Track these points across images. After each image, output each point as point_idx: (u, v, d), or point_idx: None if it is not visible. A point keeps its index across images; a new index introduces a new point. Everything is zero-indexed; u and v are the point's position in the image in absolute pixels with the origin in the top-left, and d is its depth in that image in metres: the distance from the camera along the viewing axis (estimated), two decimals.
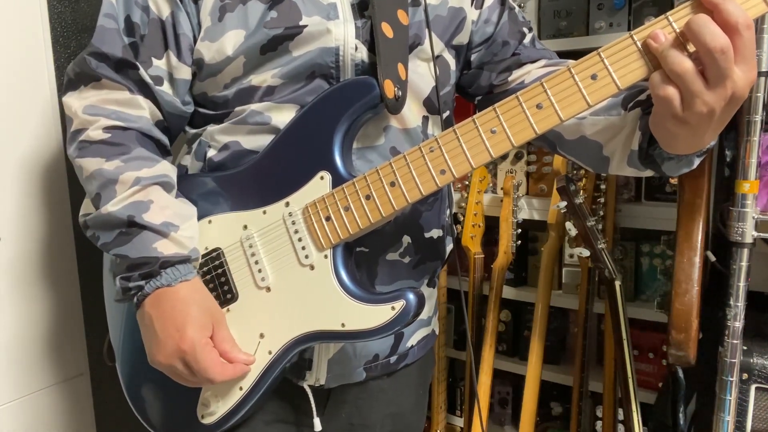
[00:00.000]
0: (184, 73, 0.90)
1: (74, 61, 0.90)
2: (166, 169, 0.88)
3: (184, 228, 0.85)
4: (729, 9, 0.62)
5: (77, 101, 0.88)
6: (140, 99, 0.88)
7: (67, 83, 0.90)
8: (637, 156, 0.81)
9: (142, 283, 0.82)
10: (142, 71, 0.87)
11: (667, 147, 0.75)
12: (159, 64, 0.88)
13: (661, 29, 0.67)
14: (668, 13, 0.67)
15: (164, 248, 0.82)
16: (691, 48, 0.65)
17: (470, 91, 1.04)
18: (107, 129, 0.86)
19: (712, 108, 0.65)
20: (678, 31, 0.66)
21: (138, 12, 0.87)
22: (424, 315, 1.03)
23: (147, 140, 0.89)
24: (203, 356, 0.80)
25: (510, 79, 0.99)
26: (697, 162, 0.79)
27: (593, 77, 0.71)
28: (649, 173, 0.85)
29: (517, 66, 0.99)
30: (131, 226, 0.82)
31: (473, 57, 1.01)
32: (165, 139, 0.92)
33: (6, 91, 1.12)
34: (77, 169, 0.88)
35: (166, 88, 0.89)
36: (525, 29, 1.01)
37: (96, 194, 0.85)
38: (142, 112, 0.88)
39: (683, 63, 0.64)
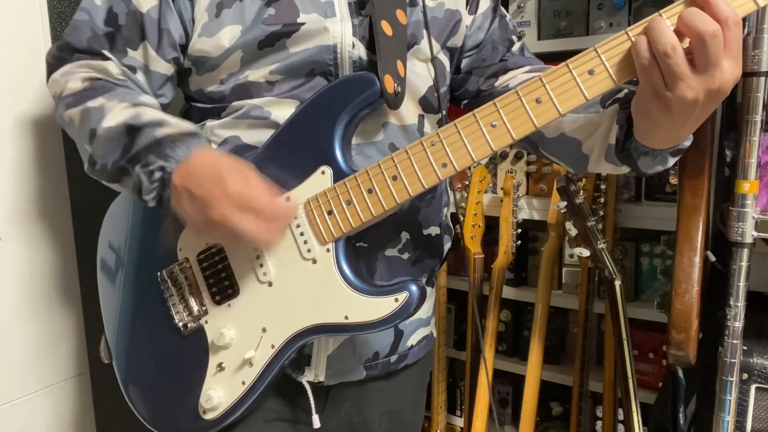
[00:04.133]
0: (162, 67, 0.91)
1: (48, 50, 0.94)
2: (151, 99, 0.91)
3: (182, 122, 0.85)
4: (719, 4, 0.64)
5: (57, 75, 0.92)
6: (111, 63, 0.90)
7: (48, 70, 0.94)
8: (614, 150, 0.83)
9: (162, 163, 0.80)
10: (108, 55, 0.90)
11: (644, 138, 0.76)
12: (134, 55, 0.90)
13: None
14: (661, 11, 0.68)
15: (166, 131, 0.81)
16: (684, 44, 0.66)
17: (457, 95, 1.06)
18: (86, 79, 0.89)
19: (696, 95, 0.66)
20: (672, 28, 0.66)
21: (120, 3, 0.89)
22: (423, 315, 1.03)
23: (127, 89, 0.91)
24: (251, 193, 0.77)
25: (496, 84, 1.01)
26: (671, 161, 0.80)
27: (590, 72, 0.72)
28: (625, 170, 0.86)
29: (503, 72, 1.01)
30: (130, 132, 0.82)
31: (464, 62, 1.03)
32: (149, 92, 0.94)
33: (6, 91, 1.12)
34: (68, 125, 0.90)
35: (139, 77, 0.91)
36: (514, 37, 1.04)
37: (90, 130, 0.85)
38: (114, 75, 0.90)
39: (671, 37, 0.65)
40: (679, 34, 0.66)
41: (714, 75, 0.65)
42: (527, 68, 1.00)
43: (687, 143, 0.78)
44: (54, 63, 0.93)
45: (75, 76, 0.90)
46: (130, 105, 0.85)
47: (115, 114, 0.84)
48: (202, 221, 0.79)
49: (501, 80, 1.01)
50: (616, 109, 0.83)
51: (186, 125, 0.84)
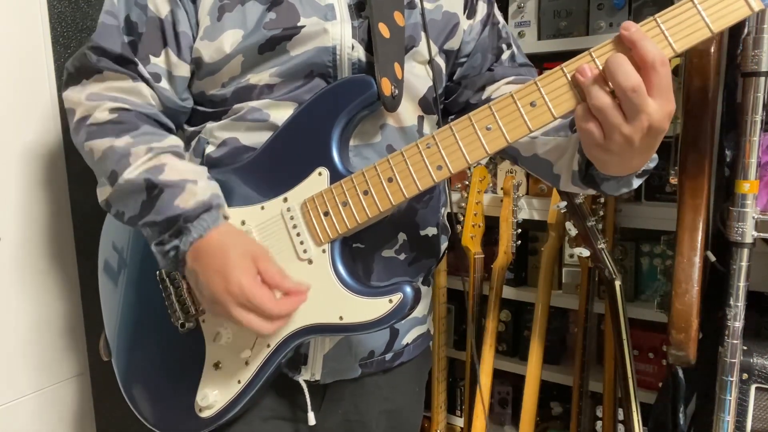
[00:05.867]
0: (183, 70, 0.91)
1: (74, 56, 0.91)
2: (175, 140, 0.90)
3: (200, 181, 0.85)
4: (646, 47, 0.67)
5: (79, 93, 0.89)
6: (142, 86, 0.89)
7: (67, 78, 0.91)
8: (577, 176, 0.85)
9: (176, 242, 0.82)
10: (141, 67, 0.88)
11: (601, 169, 0.79)
12: (157, 62, 0.89)
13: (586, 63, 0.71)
14: (591, 50, 0.71)
15: (184, 202, 0.82)
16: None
17: (447, 102, 1.06)
18: (113, 110, 0.87)
19: (631, 138, 0.70)
20: (600, 67, 0.70)
21: (137, 11, 0.88)
22: (419, 313, 1.04)
23: (152, 121, 0.90)
24: (254, 294, 0.78)
25: (483, 97, 1.02)
26: (636, 182, 0.83)
27: None
28: (591, 192, 0.89)
29: (491, 83, 1.01)
30: (150, 189, 0.83)
31: (458, 69, 1.03)
32: (171, 124, 0.93)
33: (6, 91, 1.12)
34: (87, 153, 0.89)
35: (164, 84, 0.90)
36: (504, 45, 1.04)
37: (111, 171, 0.85)
38: (145, 99, 0.90)
39: (603, 99, 0.69)
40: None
41: (642, 119, 0.68)
42: (510, 78, 1.00)
43: (652, 164, 0.80)
44: (75, 73, 0.90)
45: (103, 104, 0.87)
46: (155, 155, 0.85)
47: (139, 165, 0.84)
48: (211, 309, 0.83)
49: (487, 92, 1.01)
50: (578, 137, 0.83)
51: (205, 192, 0.84)
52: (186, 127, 0.97)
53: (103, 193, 0.88)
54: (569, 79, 0.72)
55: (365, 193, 0.81)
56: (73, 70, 0.91)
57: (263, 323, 0.79)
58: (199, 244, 0.81)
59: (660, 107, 0.68)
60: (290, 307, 0.81)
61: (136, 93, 0.89)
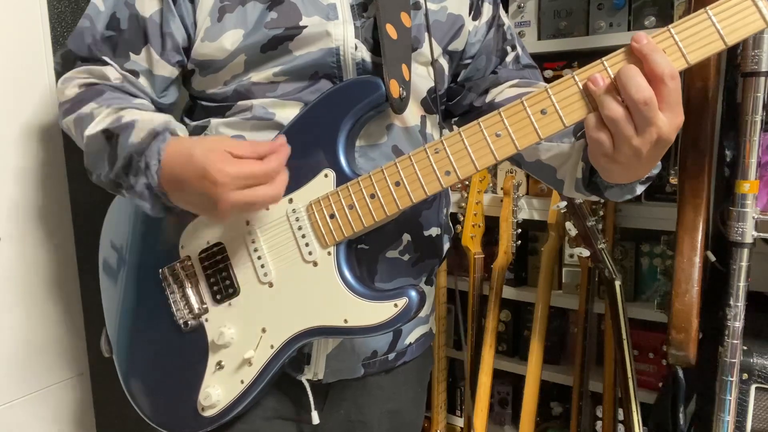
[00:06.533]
0: (166, 71, 0.91)
1: (55, 57, 0.97)
2: (142, 102, 0.91)
3: (153, 115, 0.84)
4: (656, 60, 0.67)
5: (60, 83, 0.94)
6: (110, 69, 0.90)
7: (56, 77, 0.95)
8: (581, 183, 0.86)
9: (144, 180, 0.80)
10: (108, 62, 0.91)
11: (606, 177, 0.79)
12: (136, 59, 0.90)
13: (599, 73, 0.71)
14: (604, 59, 0.71)
15: (137, 137, 0.81)
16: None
17: (451, 105, 1.06)
18: (81, 86, 0.90)
19: (639, 150, 0.70)
20: (612, 76, 0.70)
21: (123, 8, 0.89)
22: (422, 313, 1.03)
23: (120, 91, 0.91)
24: (240, 169, 0.76)
25: (487, 101, 1.02)
26: (639, 189, 0.84)
27: None
28: (594, 198, 0.90)
29: (495, 86, 1.01)
30: (109, 138, 0.82)
31: (462, 71, 1.03)
32: (145, 98, 0.94)
33: (6, 91, 1.12)
34: (68, 132, 0.92)
35: (142, 81, 0.91)
36: (508, 47, 1.04)
37: (81, 136, 0.87)
38: (114, 76, 0.91)
39: (616, 109, 0.69)
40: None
41: (651, 132, 0.69)
42: (514, 82, 1.01)
43: (655, 171, 0.81)
44: (60, 71, 0.94)
45: (72, 82, 0.91)
46: (115, 110, 0.85)
47: (99, 120, 0.84)
48: (218, 213, 0.78)
49: (491, 95, 1.01)
50: (583, 144, 0.84)
51: (155, 120, 0.83)
52: (188, 121, 0.98)
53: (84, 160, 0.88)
54: (580, 87, 0.72)
55: (372, 196, 0.81)
56: (59, 69, 0.95)
57: (268, 188, 0.77)
58: (164, 169, 0.79)
59: (669, 120, 0.68)
60: (278, 160, 0.79)
61: (103, 75, 0.91)
